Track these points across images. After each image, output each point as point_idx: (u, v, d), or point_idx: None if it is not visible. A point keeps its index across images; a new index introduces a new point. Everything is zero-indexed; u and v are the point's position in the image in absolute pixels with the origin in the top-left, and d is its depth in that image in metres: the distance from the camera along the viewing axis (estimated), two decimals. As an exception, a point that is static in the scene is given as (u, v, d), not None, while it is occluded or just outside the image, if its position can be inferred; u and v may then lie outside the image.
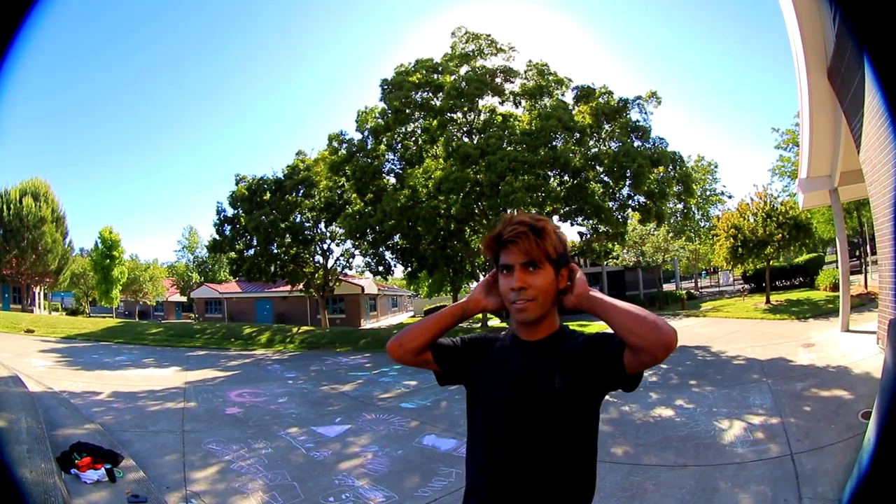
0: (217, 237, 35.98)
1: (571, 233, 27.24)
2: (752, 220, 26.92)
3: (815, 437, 7.08)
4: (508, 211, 20.57)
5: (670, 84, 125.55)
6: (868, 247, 29.64)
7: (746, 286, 38.71)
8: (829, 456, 6.40)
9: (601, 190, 24.10)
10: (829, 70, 10.97)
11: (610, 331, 1.92)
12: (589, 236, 26.14)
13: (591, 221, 25.23)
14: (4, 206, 40.55)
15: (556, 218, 24.01)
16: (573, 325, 2.23)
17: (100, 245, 47.08)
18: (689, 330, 20.92)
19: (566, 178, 23.73)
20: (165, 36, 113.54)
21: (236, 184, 35.34)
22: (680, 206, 27.42)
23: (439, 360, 2.21)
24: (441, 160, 24.70)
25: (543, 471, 1.92)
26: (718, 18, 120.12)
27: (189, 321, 49.72)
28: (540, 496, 1.91)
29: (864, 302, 20.19)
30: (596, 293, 1.99)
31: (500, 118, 25.59)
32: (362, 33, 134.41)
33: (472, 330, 24.04)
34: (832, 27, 9.81)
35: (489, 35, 26.57)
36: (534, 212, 20.33)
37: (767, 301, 26.52)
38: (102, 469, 6.22)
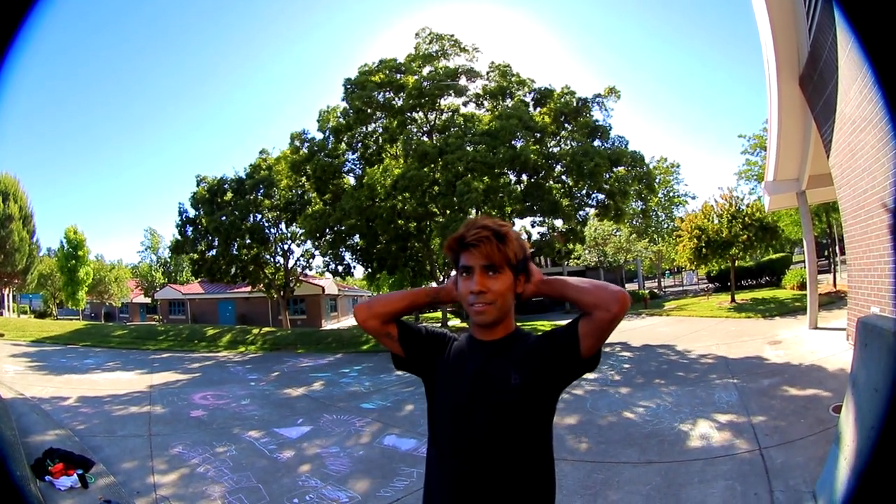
0: (179, 238, 35.82)
1: (531, 232, 27.40)
2: (716, 222, 27.00)
3: (784, 432, 7.15)
4: (464, 210, 20.72)
5: (636, 86, 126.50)
6: (837, 247, 29.96)
7: (710, 285, 38.79)
8: (800, 450, 6.48)
9: (560, 189, 24.34)
10: (801, 78, 11.30)
11: (560, 324, 2.07)
12: (547, 235, 26.23)
13: (547, 219, 25.55)
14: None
15: (515, 218, 24.40)
16: (537, 324, 2.24)
17: (65, 245, 45.72)
18: (652, 329, 21.11)
19: (524, 177, 23.96)
20: (129, 37, 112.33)
21: (197, 185, 35.12)
22: (641, 205, 27.71)
23: (403, 340, 2.25)
24: (400, 159, 24.73)
25: (505, 466, 1.95)
26: (686, 24, 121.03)
27: (153, 323, 49.34)
28: (503, 492, 1.94)
29: (833, 300, 20.41)
30: (549, 277, 2.14)
31: (461, 119, 25.85)
32: (330, 33, 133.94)
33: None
34: (807, 37, 10.09)
35: (453, 35, 26.96)
36: (493, 213, 20.59)
37: (732, 300, 26.53)
38: (75, 475, 6.29)
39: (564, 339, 1.96)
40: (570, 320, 2.00)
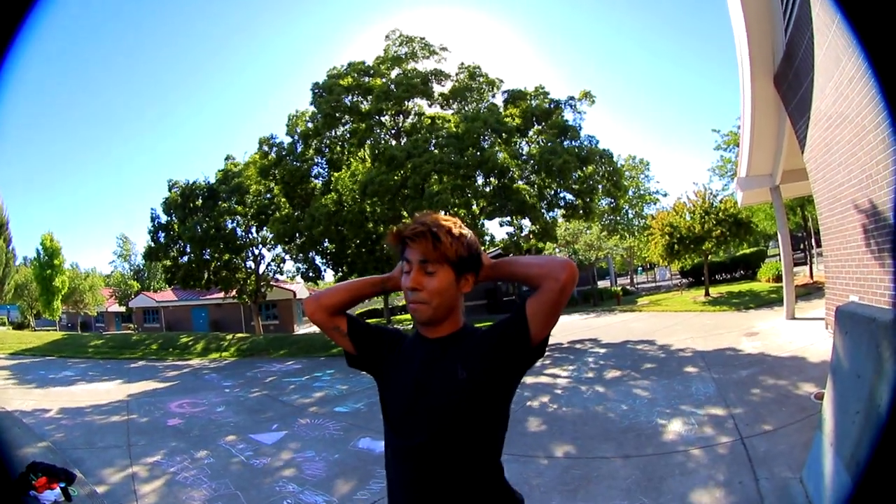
0: (152, 244, 35.48)
1: (500, 232, 27.62)
2: (688, 218, 27.20)
3: (765, 421, 7.22)
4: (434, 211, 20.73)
5: (608, 86, 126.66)
6: (813, 240, 30.31)
7: (684, 281, 38.98)
8: (782, 437, 6.55)
9: (529, 189, 24.39)
10: (776, 76, 11.60)
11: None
12: (515, 235, 26.42)
13: (515, 219, 25.65)
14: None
15: (484, 219, 24.80)
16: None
17: (41, 253, 44.98)
18: (625, 324, 21.21)
19: (492, 178, 23.97)
20: (97, 43, 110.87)
21: (169, 189, 34.84)
22: (610, 203, 27.93)
23: (353, 335, 2.25)
24: (368, 163, 24.72)
25: (453, 463, 1.94)
26: (658, 22, 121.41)
27: (129, 332, 49.15)
28: (452, 488, 1.95)
29: (810, 291, 20.68)
30: (496, 260, 2.19)
31: (428, 121, 25.96)
32: (302, 36, 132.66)
33: None
34: (783, 36, 10.37)
35: (423, 38, 27.15)
36: (462, 213, 20.68)
37: (707, 294, 26.73)
38: (58, 488, 6.31)
39: (512, 324, 1.95)
40: (511, 313, 2.00)
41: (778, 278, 24.80)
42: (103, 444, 9.30)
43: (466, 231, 2.07)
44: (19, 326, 51.73)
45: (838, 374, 4.59)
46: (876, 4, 1.80)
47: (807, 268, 29.55)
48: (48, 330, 45.65)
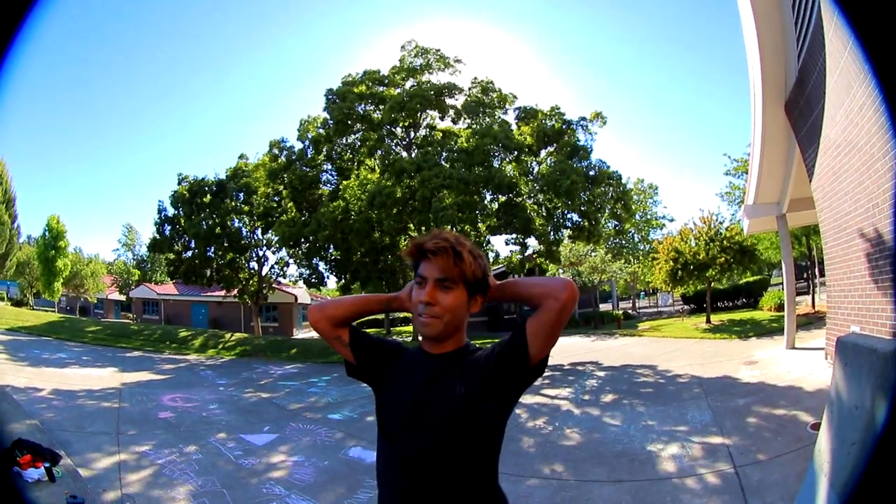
0: (157, 236, 35.19)
1: (506, 250, 27.58)
2: (693, 244, 26.82)
3: (760, 450, 7.12)
4: (439, 226, 20.63)
5: (617, 107, 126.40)
6: (816, 269, 30.17)
7: (686, 307, 38.74)
8: (776, 467, 6.44)
9: (536, 208, 24.44)
10: (788, 103, 11.59)
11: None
12: (520, 254, 26.54)
13: (520, 237, 25.57)
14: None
15: (488, 235, 24.98)
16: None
17: (46, 234, 44.40)
18: (625, 349, 20.97)
19: (500, 195, 24.03)
20: (118, 37, 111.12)
21: (178, 183, 34.49)
22: (616, 226, 27.81)
23: (354, 346, 2.26)
24: (377, 173, 24.72)
25: (447, 480, 1.94)
26: (672, 47, 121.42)
27: (127, 321, 48.92)
28: (440, 496, 1.94)
29: (811, 321, 20.39)
30: (501, 282, 2.17)
31: (439, 134, 25.96)
32: (317, 39, 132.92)
33: None
34: (796, 63, 10.33)
35: (438, 50, 27.03)
36: (467, 228, 20.68)
37: (708, 321, 26.33)
38: (42, 468, 6.29)
39: (512, 343, 1.93)
40: (512, 332, 1.98)
41: (780, 307, 24.41)
42: (92, 430, 9.30)
43: (481, 253, 2.09)
44: (18, 304, 51.59)
45: (836, 405, 4.51)
46: (889, 25, 1.77)
47: (809, 297, 29.21)
48: (46, 310, 45.56)
